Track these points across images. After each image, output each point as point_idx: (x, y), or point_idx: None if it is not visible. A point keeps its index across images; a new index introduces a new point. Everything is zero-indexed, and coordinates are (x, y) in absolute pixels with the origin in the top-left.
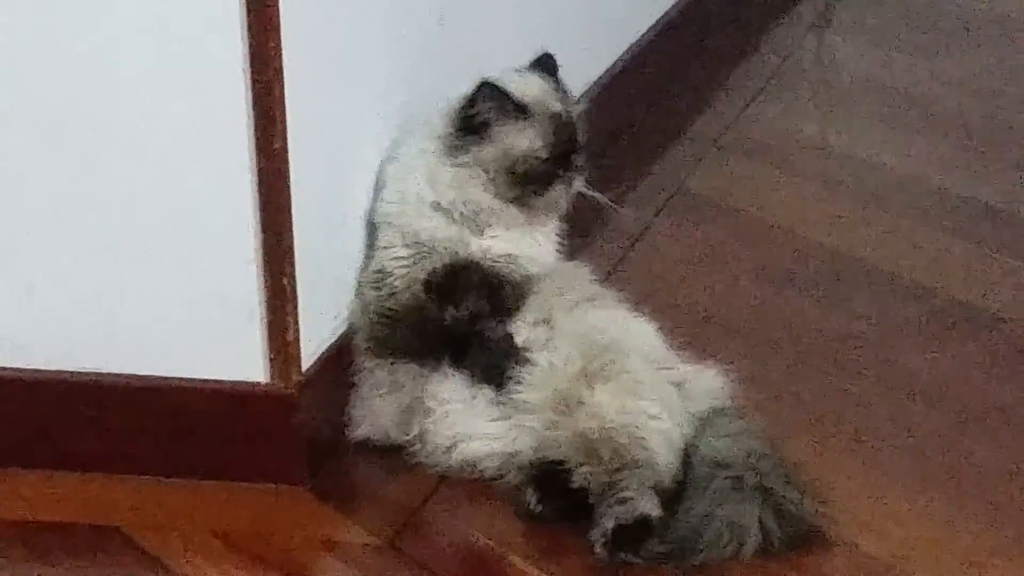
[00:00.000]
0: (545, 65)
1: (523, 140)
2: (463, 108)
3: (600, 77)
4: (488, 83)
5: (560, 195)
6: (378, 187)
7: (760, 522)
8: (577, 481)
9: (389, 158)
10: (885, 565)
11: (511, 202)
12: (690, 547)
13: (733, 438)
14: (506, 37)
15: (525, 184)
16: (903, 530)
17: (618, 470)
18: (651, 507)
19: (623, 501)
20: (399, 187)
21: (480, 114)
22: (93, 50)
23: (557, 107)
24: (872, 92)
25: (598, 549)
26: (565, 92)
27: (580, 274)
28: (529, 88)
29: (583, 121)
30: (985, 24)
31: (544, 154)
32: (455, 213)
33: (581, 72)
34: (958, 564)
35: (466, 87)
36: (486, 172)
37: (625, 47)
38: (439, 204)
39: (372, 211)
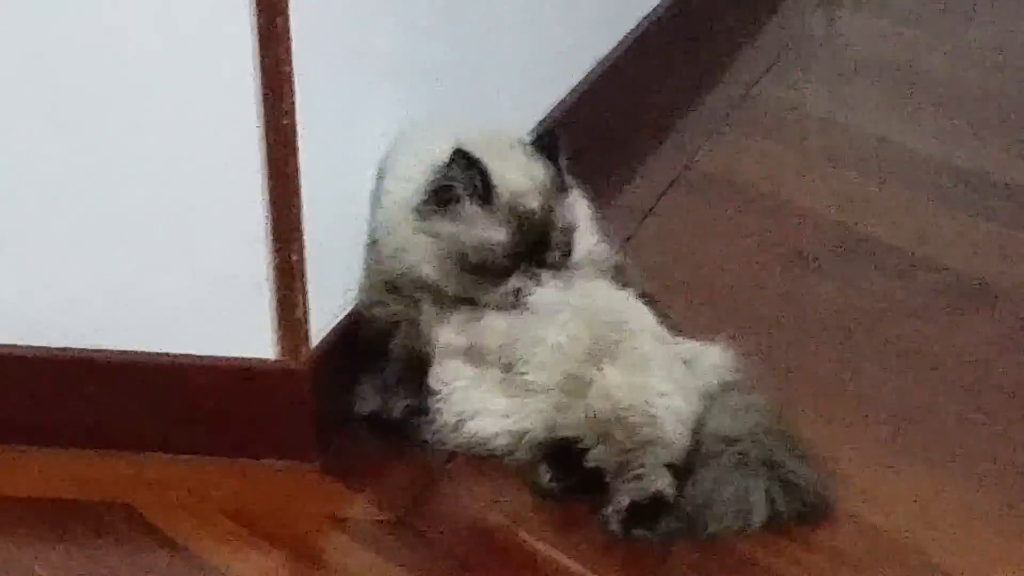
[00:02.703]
0: (547, 144)
1: (483, 229)
2: (436, 172)
3: (609, 54)
4: (461, 152)
5: (510, 293)
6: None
7: (768, 496)
8: (591, 462)
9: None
10: (893, 539)
11: (454, 285)
12: (698, 521)
13: (741, 413)
14: (515, 12)
15: (477, 273)
16: (911, 504)
17: (632, 449)
18: (665, 484)
19: (638, 478)
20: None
21: (449, 184)
22: (100, 28)
23: (532, 205)
24: (881, 68)
25: (613, 526)
26: (560, 180)
27: (600, 251)
28: (512, 174)
29: (569, 212)
30: (994, 1)
31: (502, 251)
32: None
33: (590, 49)
34: (967, 538)
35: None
36: (439, 248)
37: (635, 24)
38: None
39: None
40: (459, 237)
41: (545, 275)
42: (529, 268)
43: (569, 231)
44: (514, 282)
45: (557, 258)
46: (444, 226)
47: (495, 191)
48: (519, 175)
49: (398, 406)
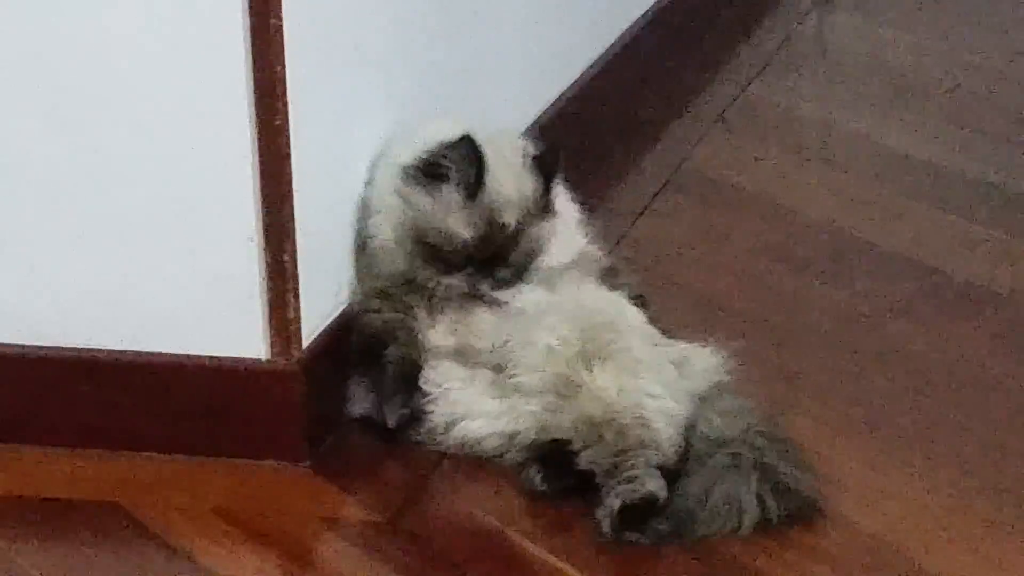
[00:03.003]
0: (547, 161)
1: (454, 219)
2: (438, 146)
3: (604, 54)
4: (469, 140)
5: (452, 288)
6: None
7: (758, 498)
8: (582, 464)
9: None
10: (883, 542)
11: (402, 259)
12: (689, 523)
13: (732, 415)
14: (509, 12)
15: (428, 255)
16: (902, 508)
17: (623, 451)
18: (657, 486)
19: (629, 480)
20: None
21: (444, 164)
22: (94, 28)
23: (508, 219)
24: (875, 71)
25: (604, 528)
26: (546, 202)
27: (590, 253)
28: (505, 181)
29: (540, 237)
30: (988, 4)
31: (461, 246)
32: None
33: (585, 49)
34: (957, 542)
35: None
36: (407, 216)
37: (629, 24)
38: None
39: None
40: (427, 214)
41: (484, 286)
42: (476, 273)
43: (531, 256)
44: (455, 280)
45: (507, 276)
46: (419, 197)
47: (482, 190)
48: (510, 184)
49: (393, 416)
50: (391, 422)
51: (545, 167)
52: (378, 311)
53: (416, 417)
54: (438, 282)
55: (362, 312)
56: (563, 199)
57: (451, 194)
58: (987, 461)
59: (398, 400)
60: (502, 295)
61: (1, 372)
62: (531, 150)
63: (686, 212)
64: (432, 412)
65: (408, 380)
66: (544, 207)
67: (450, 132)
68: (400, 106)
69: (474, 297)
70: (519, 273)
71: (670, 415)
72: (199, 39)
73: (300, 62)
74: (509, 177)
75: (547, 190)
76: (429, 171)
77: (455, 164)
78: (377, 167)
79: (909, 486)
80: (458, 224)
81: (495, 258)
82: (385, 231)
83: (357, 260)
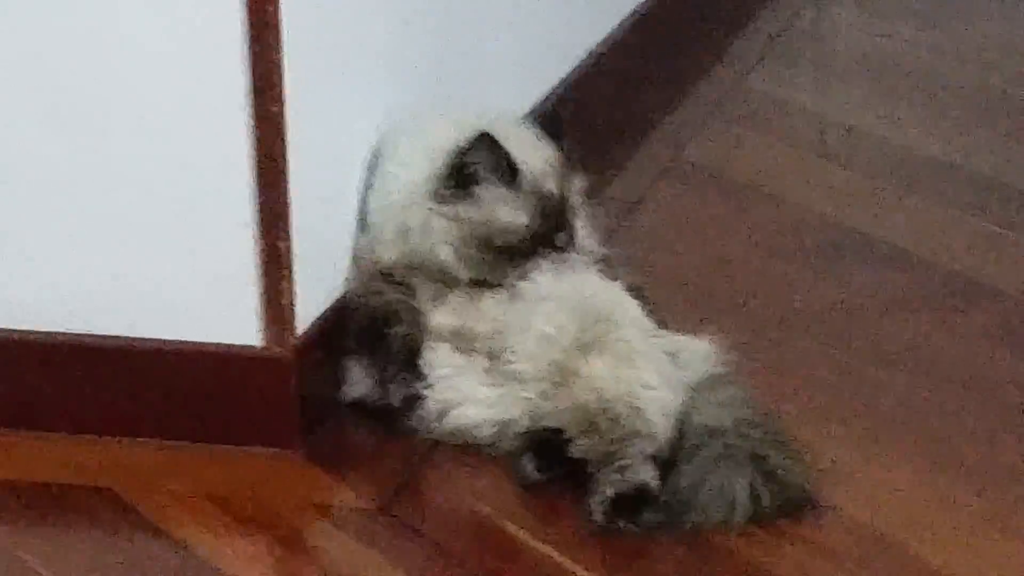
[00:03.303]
0: (551, 125)
1: (508, 211)
2: (457, 155)
3: (600, 45)
4: (488, 136)
5: (532, 271)
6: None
7: (751, 489)
8: (576, 452)
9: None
10: (877, 533)
11: (473, 268)
12: (682, 513)
13: (726, 406)
14: (506, 2)
15: (498, 255)
16: (895, 499)
17: (616, 440)
18: (650, 476)
19: (622, 470)
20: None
21: (470, 166)
22: (92, 18)
23: (551, 186)
24: (871, 63)
25: (597, 517)
26: (566, 161)
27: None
28: (529, 155)
29: (577, 193)
30: None
31: (526, 232)
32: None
33: (581, 40)
34: (951, 534)
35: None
36: (460, 231)
37: (624, 15)
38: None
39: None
40: (482, 221)
41: (546, 262)
42: (547, 248)
43: (575, 213)
44: (532, 264)
45: (565, 240)
46: (465, 210)
47: (520, 174)
48: (536, 157)
49: (397, 395)
50: (395, 401)
51: (550, 129)
52: (380, 292)
53: (415, 399)
54: (518, 276)
55: (365, 292)
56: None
57: (492, 191)
58: (983, 454)
59: (402, 379)
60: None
61: None
62: (531, 121)
63: (682, 203)
64: (427, 398)
65: (411, 360)
66: (566, 165)
67: (456, 134)
68: (397, 95)
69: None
70: (571, 234)
71: (664, 405)
72: (197, 26)
73: (297, 48)
74: (531, 152)
75: (562, 149)
76: (460, 181)
77: (484, 164)
78: (380, 171)
79: (903, 478)
80: (513, 214)
81: (556, 228)
82: (438, 254)
83: (358, 243)
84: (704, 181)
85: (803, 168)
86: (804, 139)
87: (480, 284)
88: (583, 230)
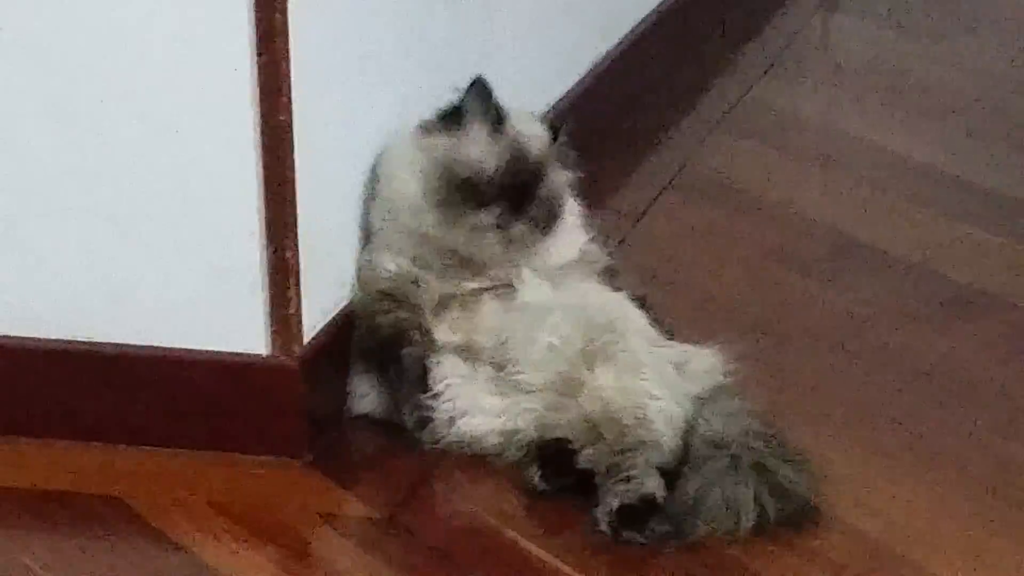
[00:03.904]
0: (551, 124)
1: (478, 149)
2: (453, 102)
3: (607, 55)
4: (482, 81)
5: (486, 224)
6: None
7: (756, 500)
8: (582, 463)
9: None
10: (881, 544)
11: (435, 206)
12: (687, 524)
13: (731, 417)
14: (514, 11)
15: (457, 192)
16: (900, 510)
17: (622, 451)
18: (656, 486)
19: (628, 480)
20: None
21: (462, 107)
22: (100, 24)
23: (532, 149)
24: (877, 75)
25: (603, 527)
26: (556, 151)
27: (592, 252)
28: (523, 122)
29: (558, 183)
30: (990, 7)
31: (488, 172)
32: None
33: (588, 49)
34: (955, 545)
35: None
36: (432, 163)
37: (632, 26)
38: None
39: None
40: (454, 149)
41: (515, 229)
42: (508, 209)
43: (554, 200)
44: (487, 216)
45: (537, 217)
46: (442, 139)
47: (505, 123)
48: (527, 126)
49: (412, 417)
50: (410, 423)
51: (552, 127)
52: (388, 312)
53: (428, 420)
54: (471, 225)
55: (372, 312)
56: (568, 177)
57: (474, 129)
58: (987, 465)
59: (417, 402)
60: (514, 282)
61: (1, 364)
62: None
63: (688, 213)
64: (434, 409)
65: (423, 379)
66: (556, 154)
67: (443, 144)
68: (404, 104)
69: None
70: (547, 219)
71: (670, 416)
72: (205, 34)
73: (305, 57)
74: (523, 120)
75: (555, 140)
76: (447, 118)
77: (474, 104)
78: (381, 183)
79: (908, 489)
80: (485, 154)
81: (523, 190)
82: (408, 188)
83: (361, 255)
84: (710, 191)
85: (808, 179)
86: (810, 150)
87: (449, 252)
88: (578, 242)
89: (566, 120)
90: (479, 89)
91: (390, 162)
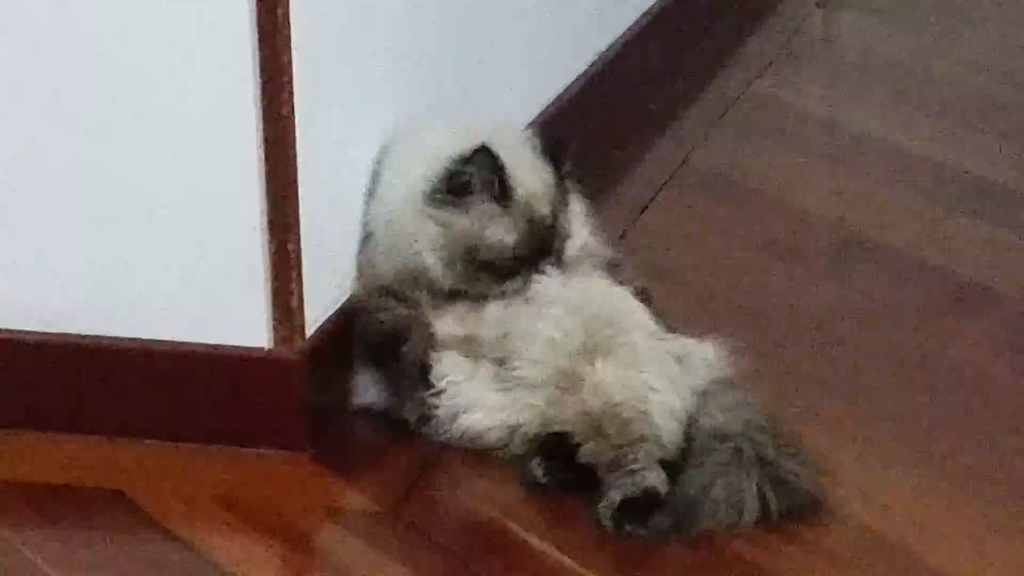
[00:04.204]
0: (555, 152)
1: (496, 228)
2: (455, 164)
3: (608, 49)
4: (487, 150)
5: (512, 290)
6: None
7: (759, 493)
8: (584, 457)
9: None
10: (883, 538)
11: (456, 278)
12: (689, 517)
13: (733, 410)
14: (515, 6)
15: (481, 270)
16: (902, 503)
17: (624, 445)
18: (658, 480)
19: (630, 474)
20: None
21: (466, 175)
22: (100, 15)
23: (544, 210)
24: (878, 69)
25: (605, 521)
26: (563, 187)
27: (593, 246)
28: (526, 174)
29: (568, 220)
30: (993, 4)
31: (511, 253)
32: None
33: (590, 43)
34: (957, 538)
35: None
36: (450, 240)
37: (634, 19)
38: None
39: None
40: (470, 232)
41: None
42: (530, 271)
43: (565, 239)
44: (513, 283)
45: (551, 263)
46: (455, 218)
47: (514, 193)
48: (533, 178)
49: (413, 414)
50: (412, 419)
51: (554, 153)
52: (388, 308)
53: (430, 417)
54: (495, 293)
55: (373, 310)
56: (572, 201)
57: (484, 205)
58: (987, 458)
59: (419, 399)
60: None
61: (4, 358)
62: (537, 141)
63: (690, 207)
64: (436, 404)
65: (424, 375)
66: (564, 192)
67: (456, 143)
68: (406, 98)
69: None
70: (558, 259)
71: (672, 409)
72: (207, 28)
73: (307, 51)
74: (529, 172)
75: (561, 175)
76: (452, 187)
77: (479, 178)
78: (384, 172)
79: (909, 482)
80: (501, 233)
81: (542, 251)
82: (423, 258)
83: (361, 256)
84: (712, 185)
85: (810, 172)
86: (811, 143)
87: (460, 295)
88: (581, 237)
89: (565, 144)
90: (486, 160)
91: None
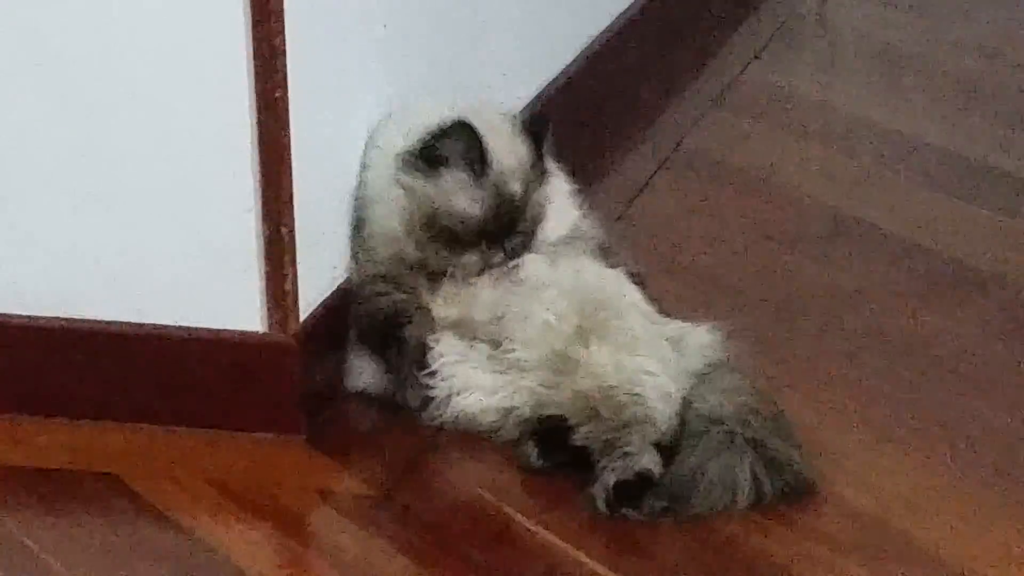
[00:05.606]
0: (536, 129)
1: (464, 198)
2: (432, 136)
3: (602, 33)
4: (465, 124)
5: (469, 267)
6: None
7: (753, 475)
8: (578, 440)
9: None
10: (877, 520)
11: (415, 245)
12: (683, 500)
13: (727, 393)
14: None
15: (438, 240)
16: (896, 486)
17: (618, 427)
18: (652, 463)
19: (624, 457)
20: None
21: (443, 149)
22: (94, 8)
23: (515, 188)
24: (874, 52)
25: (599, 504)
26: (541, 167)
27: (584, 227)
28: (503, 151)
29: (541, 200)
30: None
31: (474, 224)
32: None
33: (583, 27)
34: (952, 519)
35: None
36: (413, 206)
37: (627, 4)
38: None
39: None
40: (435, 199)
41: (497, 258)
42: (489, 247)
43: (536, 220)
44: (471, 257)
45: (516, 244)
46: (423, 185)
47: (488, 168)
48: (508, 155)
49: (415, 398)
50: (414, 404)
51: (534, 129)
52: (386, 293)
53: (430, 400)
54: (453, 264)
55: (370, 295)
56: (553, 172)
57: (456, 176)
58: (982, 440)
59: (420, 384)
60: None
61: None
62: (517, 119)
63: (684, 191)
64: (431, 388)
65: (423, 359)
66: (540, 171)
67: (439, 115)
68: (398, 81)
69: (481, 272)
70: (527, 240)
71: (666, 392)
72: (200, 11)
73: (300, 35)
74: (505, 147)
75: (539, 154)
76: (427, 157)
77: (456, 149)
78: (370, 152)
79: (904, 465)
80: (468, 203)
81: (506, 228)
82: (390, 222)
83: (354, 242)
84: (706, 169)
85: (805, 156)
86: (807, 127)
87: (423, 268)
88: (570, 218)
89: (546, 120)
90: (463, 133)
91: (375, 182)
